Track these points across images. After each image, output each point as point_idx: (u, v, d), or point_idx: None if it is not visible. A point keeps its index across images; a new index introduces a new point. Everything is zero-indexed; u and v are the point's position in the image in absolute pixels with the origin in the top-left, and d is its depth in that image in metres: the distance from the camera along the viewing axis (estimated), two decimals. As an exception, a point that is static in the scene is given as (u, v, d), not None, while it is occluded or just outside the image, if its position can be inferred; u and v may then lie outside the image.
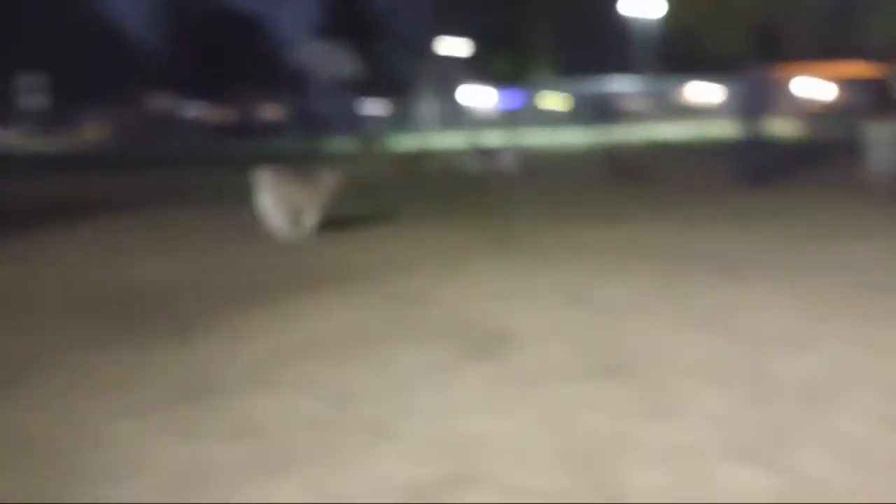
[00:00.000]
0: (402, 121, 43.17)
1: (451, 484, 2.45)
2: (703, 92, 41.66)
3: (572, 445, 2.73)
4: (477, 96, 47.24)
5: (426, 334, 4.18)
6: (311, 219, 7.26)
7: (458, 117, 44.83)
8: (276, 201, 7.00)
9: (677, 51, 36.41)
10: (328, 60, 52.55)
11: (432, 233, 7.80)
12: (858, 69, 23.06)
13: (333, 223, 7.67)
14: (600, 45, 40.97)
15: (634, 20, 34.10)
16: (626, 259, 5.96)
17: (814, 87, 29.64)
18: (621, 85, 37.87)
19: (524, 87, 41.75)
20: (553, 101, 44.60)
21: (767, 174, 10.30)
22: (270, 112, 56.94)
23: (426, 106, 42.36)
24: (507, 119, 38.96)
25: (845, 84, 25.94)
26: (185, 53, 54.87)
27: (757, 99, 10.17)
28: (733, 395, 3.15)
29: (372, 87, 46.14)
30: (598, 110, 24.83)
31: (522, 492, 2.40)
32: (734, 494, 2.35)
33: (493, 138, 20.70)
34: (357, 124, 46.39)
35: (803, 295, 4.66)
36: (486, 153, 15.26)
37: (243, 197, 7.88)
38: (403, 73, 40.95)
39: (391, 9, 49.18)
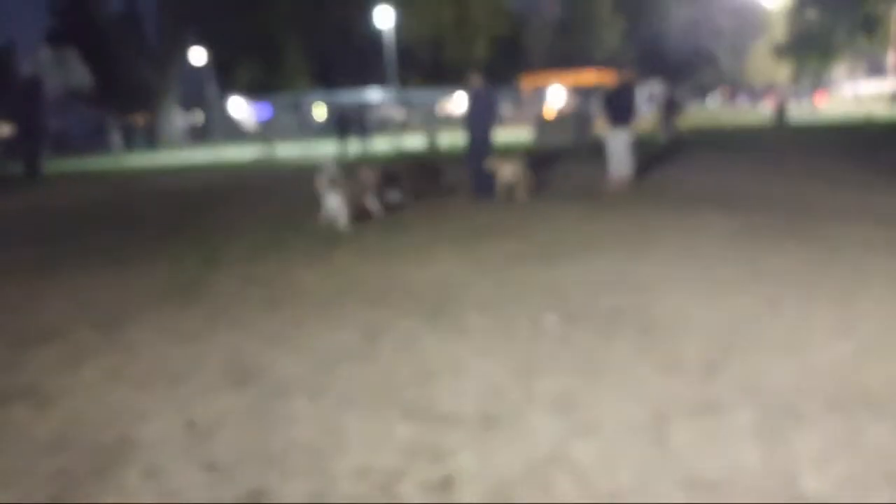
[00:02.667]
0: (149, 135, 39.40)
1: None
2: (459, 102, 42.81)
3: None
4: (240, 108, 44.61)
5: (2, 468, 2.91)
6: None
7: (219, 131, 41.97)
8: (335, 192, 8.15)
9: (424, 61, 37.06)
10: (56, 69, 46.82)
11: (101, 281, 6.33)
12: (592, 77, 24.66)
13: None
14: (356, 56, 40.66)
15: (385, 32, 34.01)
16: (334, 304, 5.04)
17: (550, 94, 31.38)
18: (376, 96, 37.64)
19: (277, 97, 40.06)
20: (320, 111, 43.29)
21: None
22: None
23: (174, 118, 39.07)
24: (267, 131, 37.05)
25: (579, 92, 27.69)
26: None
27: (480, 109, 9.85)
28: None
29: (111, 99, 41.85)
30: (349, 121, 24.03)
31: None
32: None
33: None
34: (96, 139, 41.71)
35: (509, 341, 4.05)
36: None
37: None
38: (145, 83, 37.38)
39: (128, 13, 45.06)
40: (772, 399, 3.15)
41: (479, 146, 9.84)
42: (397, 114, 39.30)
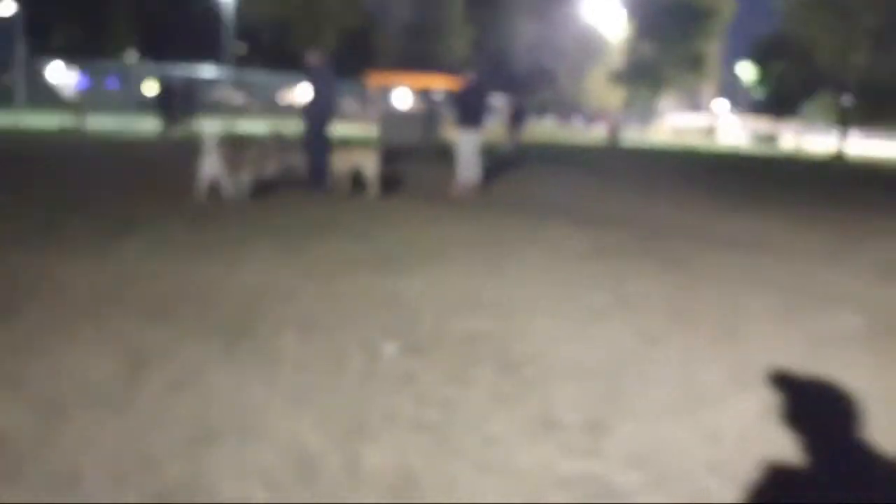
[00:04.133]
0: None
1: None
2: (300, 91, 40.69)
3: None
4: (60, 74, 39.47)
5: None
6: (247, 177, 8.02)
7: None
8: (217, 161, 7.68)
9: (267, 44, 34.77)
10: None
11: None
12: (441, 81, 24.30)
13: None
14: (191, 29, 37.56)
15: (224, 4, 31.42)
16: (98, 314, 3.71)
17: (397, 94, 30.74)
18: (209, 73, 34.83)
19: (98, 66, 36.11)
20: (152, 86, 39.18)
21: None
22: None
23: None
24: (86, 101, 33.11)
25: (426, 94, 27.14)
26: None
27: (320, 90, 8.68)
28: None
29: None
30: (174, 97, 21.79)
31: None
32: None
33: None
34: None
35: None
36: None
37: None
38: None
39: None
40: (678, 482, 2.34)
41: (318, 131, 8.66)
42: (236, 97, 36.68)
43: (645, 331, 3.96)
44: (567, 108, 67.78)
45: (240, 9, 32.42)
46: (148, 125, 21.26)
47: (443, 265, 5.30)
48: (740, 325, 4.23)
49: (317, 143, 8.69)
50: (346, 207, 7.96)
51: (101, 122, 22.56)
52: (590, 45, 58.95)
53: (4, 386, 2.75)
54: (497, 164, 14.52)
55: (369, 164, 8.66)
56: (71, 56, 38.17)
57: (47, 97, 35.87)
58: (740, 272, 5.88)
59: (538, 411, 2.81)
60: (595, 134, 46.37)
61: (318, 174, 8.76)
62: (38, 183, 8.87)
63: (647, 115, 58.08)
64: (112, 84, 39.70)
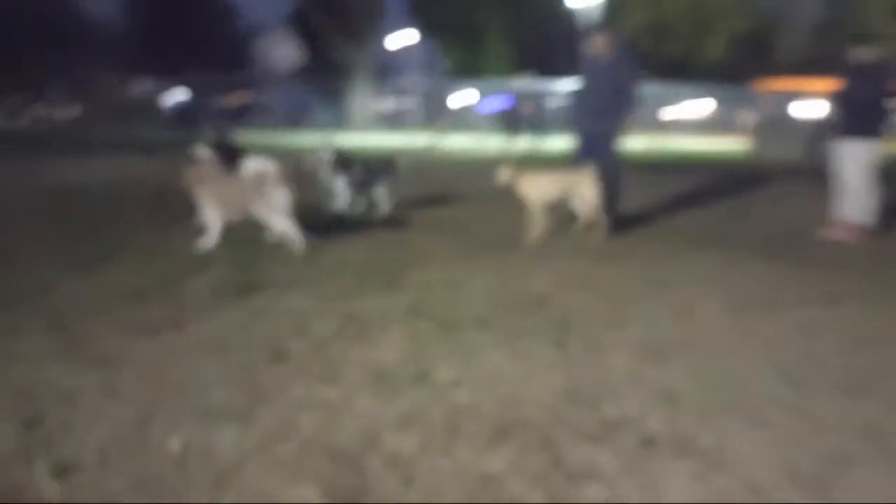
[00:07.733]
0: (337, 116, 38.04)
1: None
2: (694, 106, 36.63)
3: None
4: (469, 98, 41.63)
5: None
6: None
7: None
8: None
9: (648, 54, 31.73)
10: (281, 50, 47.68)
11: None
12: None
13: None
14: (549, 40, 36.43)
15: (581, 11, 28.88)
16: None
17: (791, 102, 25.62)
18: (565, 87, 33.00)
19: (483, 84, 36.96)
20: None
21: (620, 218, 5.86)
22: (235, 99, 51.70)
23: (365, 99, 37.60)
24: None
25: (829, 99, 21.75)
26: (149, 32, 48.57)
27: (603, 86, 5.68)
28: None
29: (310, 76, 41.13)
30: (519, 113, 20.56)
31: None
32: None
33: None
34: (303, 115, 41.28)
35: None
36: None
37: None
38: (342, 61, 36.18)
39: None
40: None
41: (593, 144, 5.70)
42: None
43: None
44: None
45: (610, 17, 29.95)
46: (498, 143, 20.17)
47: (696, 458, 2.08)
48: None
49: (583, 162, 5.66)
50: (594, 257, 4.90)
51: (459, 142, 22.14)
52: None
53: None
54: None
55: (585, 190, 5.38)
56: (461, 76, 39.64)
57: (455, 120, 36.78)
58: None
59: None
60: None
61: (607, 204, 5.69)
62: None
63: None
64: (506, 103, 39.98)
